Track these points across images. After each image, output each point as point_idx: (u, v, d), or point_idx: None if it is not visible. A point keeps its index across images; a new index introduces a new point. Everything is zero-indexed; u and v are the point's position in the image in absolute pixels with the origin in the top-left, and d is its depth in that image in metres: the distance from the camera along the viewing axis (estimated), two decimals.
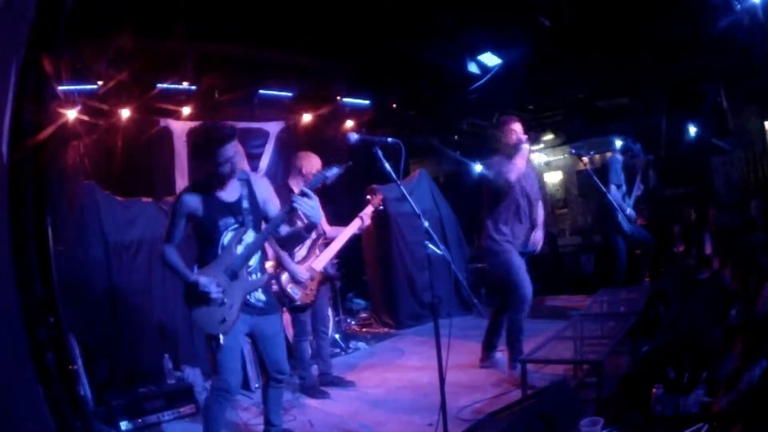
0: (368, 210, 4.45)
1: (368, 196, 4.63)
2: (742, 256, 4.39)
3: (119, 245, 4.65)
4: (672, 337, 3.20)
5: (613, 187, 5.57)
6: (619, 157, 5.87)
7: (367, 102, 7.59)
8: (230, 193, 2.95)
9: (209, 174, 2.88)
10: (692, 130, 7.50)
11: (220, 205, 2.91)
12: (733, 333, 3.21)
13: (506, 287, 4.23)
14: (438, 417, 2.50)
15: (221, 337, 2.79)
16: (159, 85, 5.90)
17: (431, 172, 8.13)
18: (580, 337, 3.84)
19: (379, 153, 2.60)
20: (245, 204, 2.94)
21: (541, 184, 10.15)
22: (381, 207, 4.54)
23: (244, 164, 7.47)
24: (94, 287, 4.47)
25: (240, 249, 2.89)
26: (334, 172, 2.96)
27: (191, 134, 3.08)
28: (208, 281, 2.80)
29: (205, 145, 2.83)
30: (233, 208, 2.92)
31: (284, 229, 2.99)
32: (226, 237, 2.88)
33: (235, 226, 2.90)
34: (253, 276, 2.95)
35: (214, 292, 2.79)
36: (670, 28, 5.60)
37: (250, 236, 2.93)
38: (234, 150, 2.85)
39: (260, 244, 2.96)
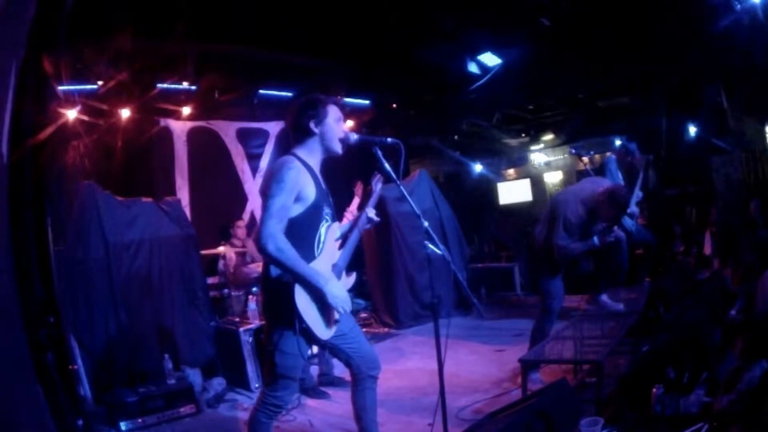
0: (353, 204, 4.48)
1: (355, 190, 4.67)
2: (745, 254, 4.39)
3: (119, 245, 4.65)
4: (672, 337, 3.20)
5: None
6: (614, 157, 5.87)
7: (367, 102, 7.59)
8: (321, 178, 2.59)
9: (321, 146, 2.55)
10: (692, 130, 7.51)
11: (322, 189, 2.53)
12: (733, 333, 3.21)
13: (541, 292, 4.24)
14: (437, 417, 2.50)
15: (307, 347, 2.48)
16: (159, 85, 5.91)
17: (431, 172, 8.14)
18: (580, 337, 3.84)
19: (379, 153, 2.59)
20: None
21: (541, 184, 10.19)
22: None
23: (244, 165, 7.50)
24: (94, 287, 4.47)
25: (337, 245, 2.62)
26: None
27: (296, 102, 2.66)
28: (346, 298, 2.46)
29: (322, 107, 2.53)
30: (327, 196, 2.59)
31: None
32: (323, 227, 2.52)
33: (329, 216, 2.57)
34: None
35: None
36: (670, 28, 5.60)
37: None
38: None
39: (357, 241, 2.69)
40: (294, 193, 2.37)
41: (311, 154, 2.56)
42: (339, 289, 2.44)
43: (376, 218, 2.75)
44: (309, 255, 2.45)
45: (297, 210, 2.42)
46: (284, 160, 2.47)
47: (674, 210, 7.54)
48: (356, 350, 2.66)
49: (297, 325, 2.38)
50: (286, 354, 2.44)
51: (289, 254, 2.30)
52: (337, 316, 2.53)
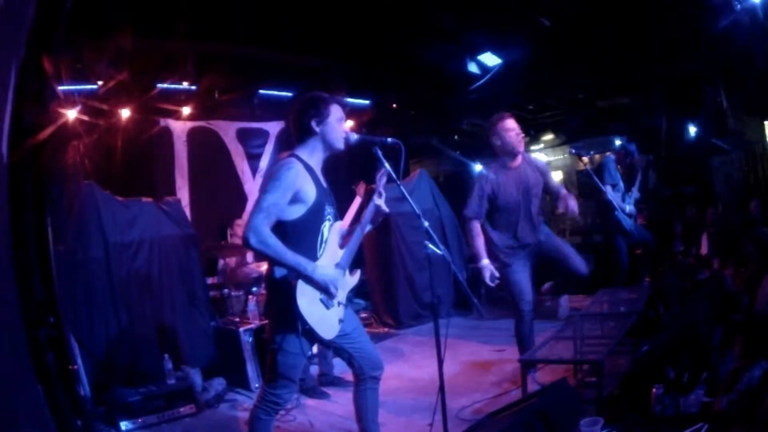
0: (354, 204, 4.43)
1: (355, 188, 4.61)
2: (750, 254, 4.38)
3: (119, 245, 4.64)
4: (672, 337, 3.20)
5: (608, 188, 5.57)
6: (613, 157, 5.87)
7: (367, 102, 7.59)
8: (323, 177, 2.60)
9: (322, 145, 2.55)
10: (692, 130, 7.50)
11: (323, 189, 2.54)
12: (733, 333, 3.21)
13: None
14: (437, 417, 2.50)
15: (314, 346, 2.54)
16: (159, 85, 5.91)
17: (431, 172, 8.13)
18: (580, 337, 3.84)
19: (379, 153, 2.59)
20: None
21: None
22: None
23: (244, 165, 7.50)
24: (94, 287, 4.47)
25: (339, 243, 2.63)
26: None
27: (299, 101, 2.65)
28: (335, 277, 2.46)
29: (324, 106, 2.52)
30: (328, 195, 2.59)
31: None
32: (325, 227, 2.53)
33: (330, 216, 2.58)
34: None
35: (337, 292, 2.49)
36: (670, 28, 5.60)
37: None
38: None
39: (361, 239, 2.69)
40: (289, 193, 2.37)
41: (312, 154, 2.56)
42: (328, 270, 2.45)
43: (385, 208, 2.69)
44: (311, 255, 2.46)
45: (299, 211, 2.43)
46: (285, 160, 2.48)
47: (674, 210, 7.53)
48: (359, 350, 2.66)
49: (300, 326, 2.38)
50: (289, 353, 2.44)
51: (273, 245, 2.30)
52: (341, 315, 2.54)
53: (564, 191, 3.99)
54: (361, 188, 4.52)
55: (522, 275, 3.96)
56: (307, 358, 2.55)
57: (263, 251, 2.32)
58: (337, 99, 2.62)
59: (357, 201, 4.51)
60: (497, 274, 3.84)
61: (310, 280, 2.38)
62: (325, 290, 2.44)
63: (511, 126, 3.85)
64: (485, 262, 3.89)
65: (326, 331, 2.48)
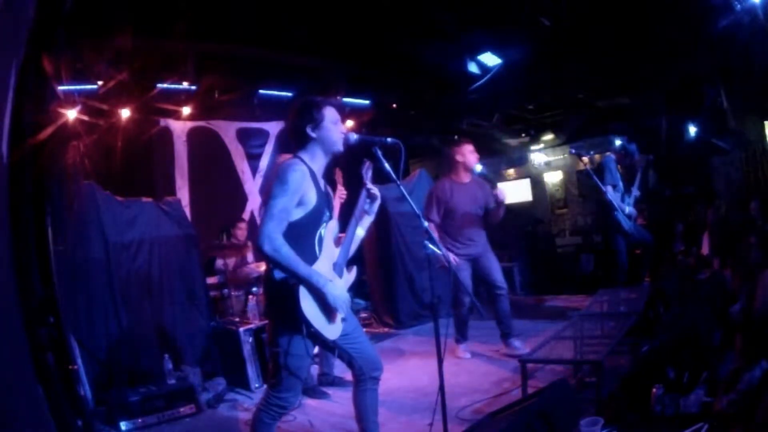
0: (337, 192, 4.40)
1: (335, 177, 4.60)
2: (752, 253, 4.38)
3: (119, 245, 4.64)
4: (672, 337, 3.20)
5: (609, 188, 5.58)
6: (613, 156, 5.87)
7: (367, 102, 7.59)
8: (323, 181, 2.60)
9: (322, 149, 2.54)
10: (692, 130, 7.51)
11: (323, 193, 2.55)
12: (733, 333, 3.21)
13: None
14: (437, 417, 2.50)
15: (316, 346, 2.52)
16: (159, 85, 5.91)
17: (431, 172, 8.13)
18: (580, 337, 3.84)
19: (379, 153, 2.59)
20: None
21: (541, 184, 10.18)
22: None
23: (244, 165, 7.50)
24: (94, 287, 4.46)
25: (334, 243, 2.63)
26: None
27: (293, 108, 2.63)
28: (345, 297, 2.48)
29: (317, 110, 2.51)
30: (327, 198, 2.60)
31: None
32: (323, 229, 2.54)
33: (328, 217, 2.58)
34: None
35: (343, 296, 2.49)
36: (670, 28, 5.60)
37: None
38: None
39: (355, 232, 2.71)
40: (297, 196, 2.36)
41: (314, 159, 2.55)
42: (339, 289, 2.44)
43: (376, 195, 2.71)
44: (311, 256, 2.45)
45: (298, 214, 2.42)
46: (290, 161, 2.47)
47: (674, 210, 7.54)
48: (359, 351, 2.65)
49: (305, 329, 2.37)
50: (294, 356, 2.43)
51: (287, 255, 2.28)
52: (342, 314, 2.54)
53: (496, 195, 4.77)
54: (339, 176, 4.45)
55: (466, 273, 4.84)
56: (312, 359, 2.55)
57: (276, 259, 2.29)
58: (331, 101, 2.61)
59: (339, 191, 4.43)
60: (457, 259, 4.74)
61: (319, 293, 2.37)
62: (332, 308, 2.42)
63: (472, 149, 5.01)
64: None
65: (330, 331, 2.48)
